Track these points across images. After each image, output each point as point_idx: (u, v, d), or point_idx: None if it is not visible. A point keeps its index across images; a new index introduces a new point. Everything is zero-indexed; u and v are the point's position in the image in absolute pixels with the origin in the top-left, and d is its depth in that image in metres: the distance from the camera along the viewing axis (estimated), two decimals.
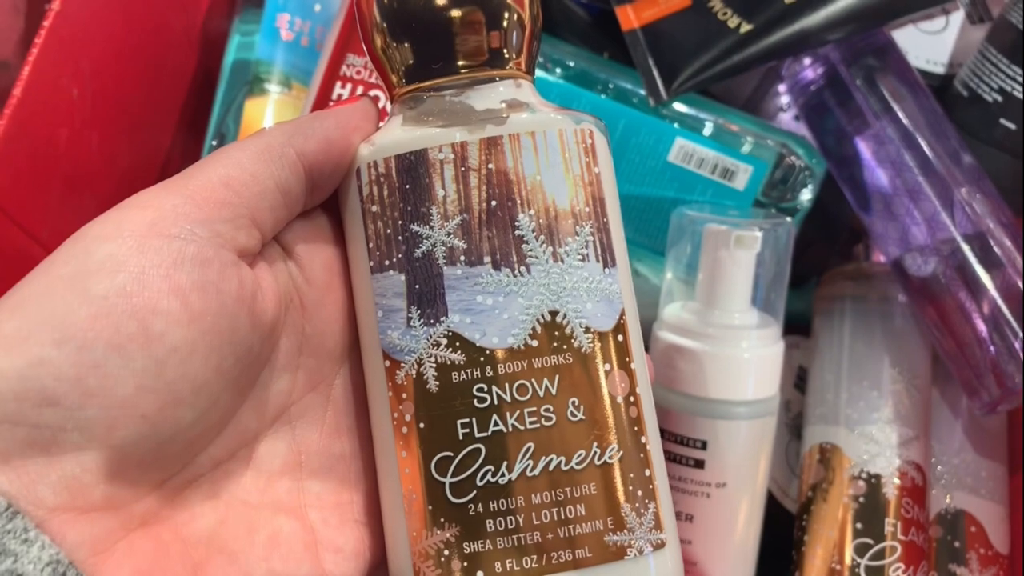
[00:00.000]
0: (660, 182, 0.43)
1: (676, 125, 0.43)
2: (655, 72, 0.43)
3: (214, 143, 0.43)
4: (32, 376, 0.20)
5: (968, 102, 0.45)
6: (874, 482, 0.40)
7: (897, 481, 0.40)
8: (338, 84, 0.40)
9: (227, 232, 0.23)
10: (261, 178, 0.23)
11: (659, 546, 0.24)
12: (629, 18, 0.44)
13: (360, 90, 0.39)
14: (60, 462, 0.20)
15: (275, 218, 0.24)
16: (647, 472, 0.24)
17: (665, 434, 0.39)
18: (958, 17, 0.47)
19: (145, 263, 0.21)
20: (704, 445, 0.38)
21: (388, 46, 0.25)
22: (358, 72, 0.39)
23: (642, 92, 0.43)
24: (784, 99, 0.48)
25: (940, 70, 0.47)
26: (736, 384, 0.38)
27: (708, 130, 0.43)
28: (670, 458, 0.39)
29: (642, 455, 0.24)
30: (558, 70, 0.43)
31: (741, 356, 0.38)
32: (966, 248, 0.41)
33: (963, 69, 0.46)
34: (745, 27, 0.43)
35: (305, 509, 0.25)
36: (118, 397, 0.21)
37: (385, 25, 0.25)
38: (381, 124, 0.26)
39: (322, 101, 0.40)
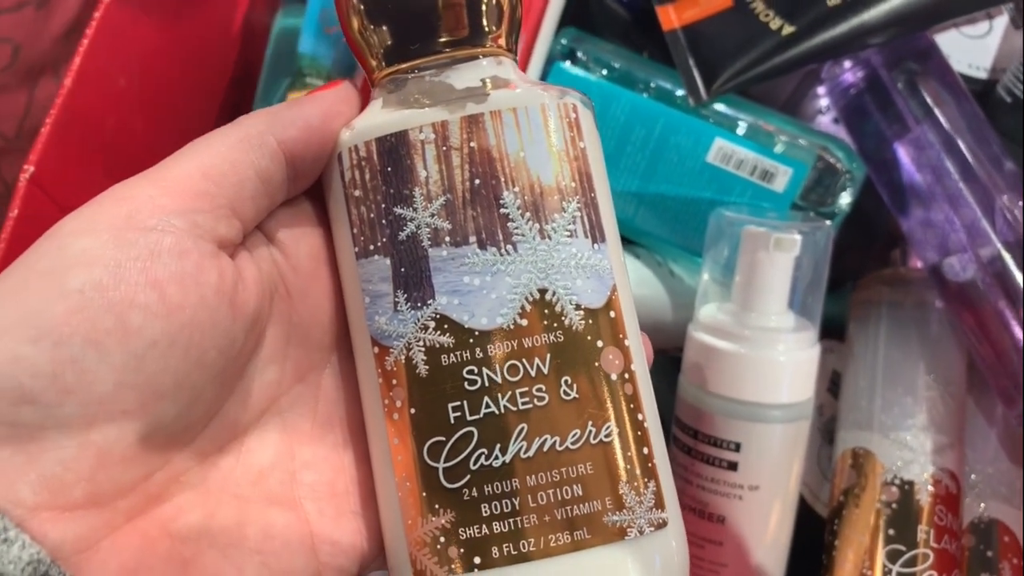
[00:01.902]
0: (698, 183, 0.43)
1: (716, 126, 0.43)
2: (695, 73, 0.43)
3: None
4: (8, 374, 0.20)
5: (1011, 108, 0.45)
6: (907, 488, 0.40)
7: (931, 488, 0.40)
8: None
9: (206, 223, 0.22)
10: (240, 167, 0.23)
11: (660, 525, 0.23)
12: (670, 18, 0.44)
13: None
14: (39, 460, 0.20)
15: (256, 207, 0.24)
16: (645, 450, 0.23)
17: (699, 435, 0.39)
18: (1002, 21, 0.47)
19: (121, 256, 0.21)
20: (738, 447, 0.38)
21: (366, 28, 0.24)
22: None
23: (683, 92, 0.43)
24: (824, 101, 0.48)
25: (983, 75, 0.47)
26: (771, 387, 0.38)
27: (747, 132, 0.43)
28: (703, 460, 0.39)
29: (639, 433, 0.23)
30: (603, 71, 0.43)
31: (777, 359, 0.38)
32: (1006, 256, 0.41)
33: (1006, 74, 0.46)
34: (787, 29, 0.42)
35: (300, 501, 0.24)
36: (97, 393, 0.20)
37: (362, 7, 0.24)
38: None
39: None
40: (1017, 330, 0.41)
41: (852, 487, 0.41)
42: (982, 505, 0.42)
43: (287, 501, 0.24)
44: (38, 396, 0.20)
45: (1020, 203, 0.42)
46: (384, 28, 0.24)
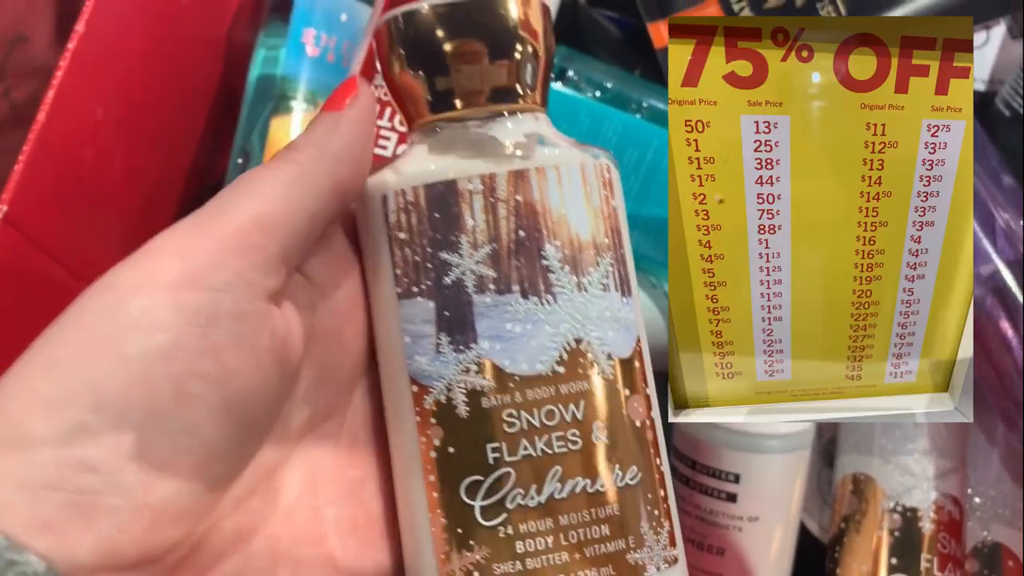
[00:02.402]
0: None
1: None
2: None
3: (239, 161, 0.43)
4: (72, 442, 0.20)
5: (1010, 122, 0.44)
6: (910, 516, 0.39)
7: (933, 515, 0.39)
8: None
9: (258, 279, 0.22)
10: (293, 213, 0.23)
11: (672, 562, 0.25)
12: (662, 35, 0.43)
13: (388, 112, 0.39)
14: (97, 524, 0.20)
15: (303, 250, 0.24)
16: (661, 492, 0.25)
17: (697, 466, 0.38)
18: (999, 32, 0.46)
19: (182, 321, 0.21)
20: (737, 479, 0.37)
21: (409, 76, 0.25)
22: (385, 93, 0.38)
23: None
24: None
25: (980, 87, 0.46)
26: None
27: None
28: (702, 491, 0.38)
29: (657, 476, 0.25)
30: (595, 91, 0.42)
31: None
32: (1007, 275, 0.40)
33: (1004, 87, 0.45)
34: None
35: (325, 537, 0.25)
36: (156, 460, 0.21)
37: (405, 55, 0.25)
38: (400, 148, 0.26)
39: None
40: (1018, 349, 0.40)
41: (853, 513, 0.40)
42: (985, 529, 0.42)
43: (314, 538, 0.25)
44: (99, 464, 0.20)
45: (1020, 220, 0.41)
46: (430, 78, 0.25)
